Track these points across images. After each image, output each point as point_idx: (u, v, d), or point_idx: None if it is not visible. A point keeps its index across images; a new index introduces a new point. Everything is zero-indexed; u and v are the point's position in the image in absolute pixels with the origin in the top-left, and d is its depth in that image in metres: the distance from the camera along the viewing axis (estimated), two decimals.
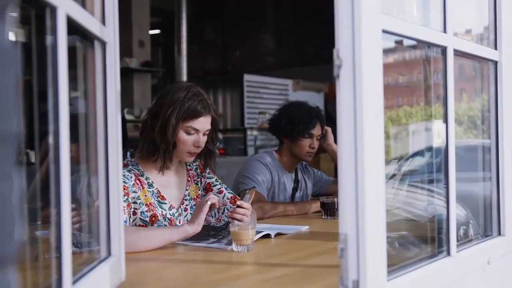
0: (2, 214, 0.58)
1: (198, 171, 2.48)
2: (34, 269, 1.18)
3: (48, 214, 1.12)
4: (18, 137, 0.61)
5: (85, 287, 1.15)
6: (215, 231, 2.22)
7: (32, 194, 1.54)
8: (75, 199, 1.19)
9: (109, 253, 1.40)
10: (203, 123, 2.26)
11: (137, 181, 2.23)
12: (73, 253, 1.09)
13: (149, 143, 2.26)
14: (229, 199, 2.42)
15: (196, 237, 2.08)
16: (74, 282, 1.11)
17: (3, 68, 0.58)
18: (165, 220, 2.27)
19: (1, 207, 0.58)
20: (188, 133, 2.24)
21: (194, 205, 2.40)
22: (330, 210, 2.72)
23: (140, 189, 2.23)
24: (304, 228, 2.42)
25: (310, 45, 9.49)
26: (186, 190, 2.41)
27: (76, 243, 1.33)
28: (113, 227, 1.41)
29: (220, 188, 2.46)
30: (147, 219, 2.21)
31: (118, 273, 1.42)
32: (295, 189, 3.21)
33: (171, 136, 2.22)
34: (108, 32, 1.39)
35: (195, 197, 2.43)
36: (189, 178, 2.44)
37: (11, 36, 0.61)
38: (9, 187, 0.59)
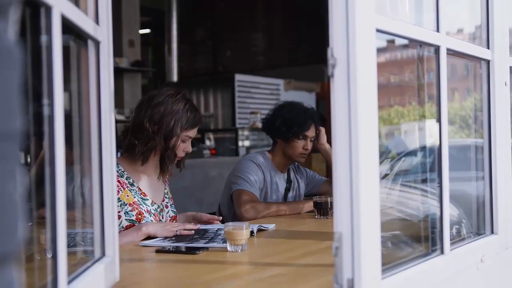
0: (6, 212, 0.58)
1: (167, 177, 2.58)
2: (29, 269, 1.17)
3: (41, 214, 1.11)
4: (21, 136, 0.61)
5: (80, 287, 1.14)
6: (200, 234, 2.20)
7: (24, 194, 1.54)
8: (68, 200, 1.18)
9: (103, 254, 1.40)
10: (196, 131, 2.43)
11: (117, 182, 2.26)
12: (68, 253, 1.09)
13: (150, 149, 2.33)
14: (170, 217, 2.50)
15: (188, 240, 2.07)
16: (69, 282, 1.11)
17: (7, 67, 0.58)
18: (150, 216, 2.34)
19: (4, 205, 0.58)
20: (183, 141, 2.37)
21: (172, 204, 2.53)
22: (323, 209, 2.72)
23: (121, 190, 2.28)
24: (271, 226, 2.43)
25: (301, 44, 9.51)
26: (165, 189, 2.52)
27: (69, 243, 1.33)
28: (107, 228, 1.40)
29: (169, 202, 2.56)
30: (133, 217, 2.27)
31: (112, 273, 1.42)
32: (287, 189, 3.21)
33: (175, 145, 2.34)
34: (102, 31, 1.38)
35: (171, 197, 2.56)
36: (166, 179, 2.54)
37: (14, 36, 0.61)
38: (13, 185, 0.59)
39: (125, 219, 2.26)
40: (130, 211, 2.27)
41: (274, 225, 2.46)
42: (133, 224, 2.25)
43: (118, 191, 2.25)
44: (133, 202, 2.30)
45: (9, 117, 0.58)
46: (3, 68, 0.57)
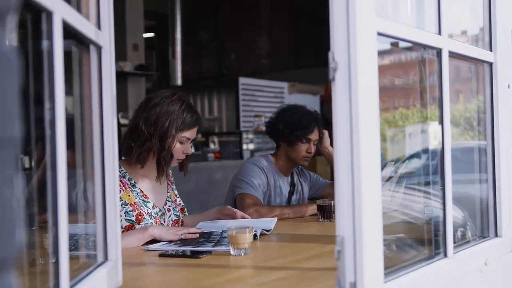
0: (4, 218, 0.58)
1: (172, 179, 2.60)
2: (32, 273, 1.17)
3: (44, 219, 1.12)
4: (19, 142, 0.61)
5: None
6: (205, 237, 2.19)
7: (28, 199, 1.54)
8: (71, 204, 1.19)
9: (106, 258, 1.40)
10: (195, 132, 2.42)
11: (119, 182, 2.27)
12: (70, 258, 1.09)
13: (146, 150, 2.33)
14: (172, 221, 2.50)
15: (193, 243, 2.07)
16: (71, 286, 1.11)
17: (4, 73, 0.58)
18: (150, 218, 2.35)
19: (2, 210, 0.58)
20: (181, 142, 2.37)
21: (175, 207, 2.52)
22: (326, 212, 2.71)
23: (123, 190, 2.30)
24: (274, 221, 2.48)
25: (305, 47, 9.49)
26: (168, 192, 2.52)
27: (71, 247, 1.33)
28: (110, 232, 1.41)
29: (177, 200, 2.58)
30: (133, 218, 2.28)
31: (115, 277, 1.42)
32: (291, 193, 3.20)
33: (170, 146, 2.33)
34: (104, 36, 1.39)
35: (174, 200, 2.54)
36: (168, 182, 2.55)
37: (12, 41, 0.61)
38: (11, 190, 0.59)
39: (125, 219, 2.27)
40: (130, 211, 2.28)
41: (276, 218, 2.50)
42: (132, 225, 2.26)
43: (120, 190, 2.26)
44: (134, 203, 2.31)
45: (7, 123, 0.59)
46: (1, 74, 0.58)
